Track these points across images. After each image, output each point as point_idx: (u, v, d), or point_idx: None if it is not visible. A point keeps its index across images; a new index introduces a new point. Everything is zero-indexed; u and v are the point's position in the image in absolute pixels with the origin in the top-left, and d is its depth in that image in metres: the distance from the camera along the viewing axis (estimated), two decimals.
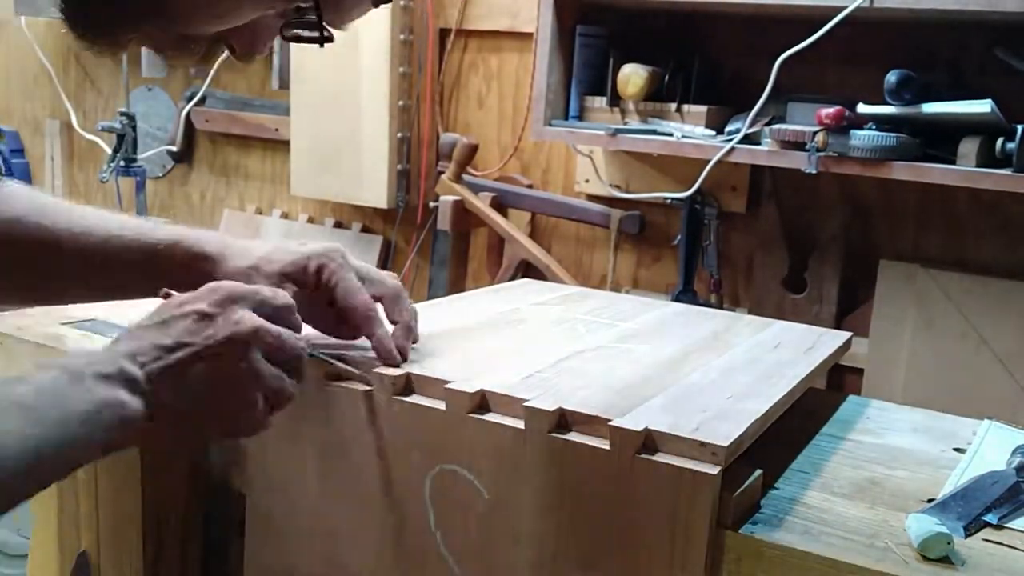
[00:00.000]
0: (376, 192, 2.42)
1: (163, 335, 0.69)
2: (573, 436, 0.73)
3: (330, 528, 0.85)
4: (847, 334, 1.07)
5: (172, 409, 0.69)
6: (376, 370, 0.81)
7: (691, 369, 0.87)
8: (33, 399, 0.62)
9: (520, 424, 0.75)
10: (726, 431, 0.70)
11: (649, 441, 0.71)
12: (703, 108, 1.94)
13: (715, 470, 0.68)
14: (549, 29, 1.98)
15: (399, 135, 2.41)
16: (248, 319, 0.71)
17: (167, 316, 0.71)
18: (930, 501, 0.76)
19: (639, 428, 0.70)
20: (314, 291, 0.83)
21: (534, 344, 0.94)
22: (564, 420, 0.74)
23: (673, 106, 1.97)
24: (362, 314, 0.83)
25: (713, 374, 0.86)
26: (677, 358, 0.91)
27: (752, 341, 1.00)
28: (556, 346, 0.93)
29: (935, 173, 1.67)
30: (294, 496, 0.86)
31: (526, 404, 0.74)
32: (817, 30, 1.74)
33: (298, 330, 0.75)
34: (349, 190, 2.47)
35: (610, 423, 0.71)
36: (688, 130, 1.93)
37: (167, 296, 0.75)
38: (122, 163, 2.59)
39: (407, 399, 0.80)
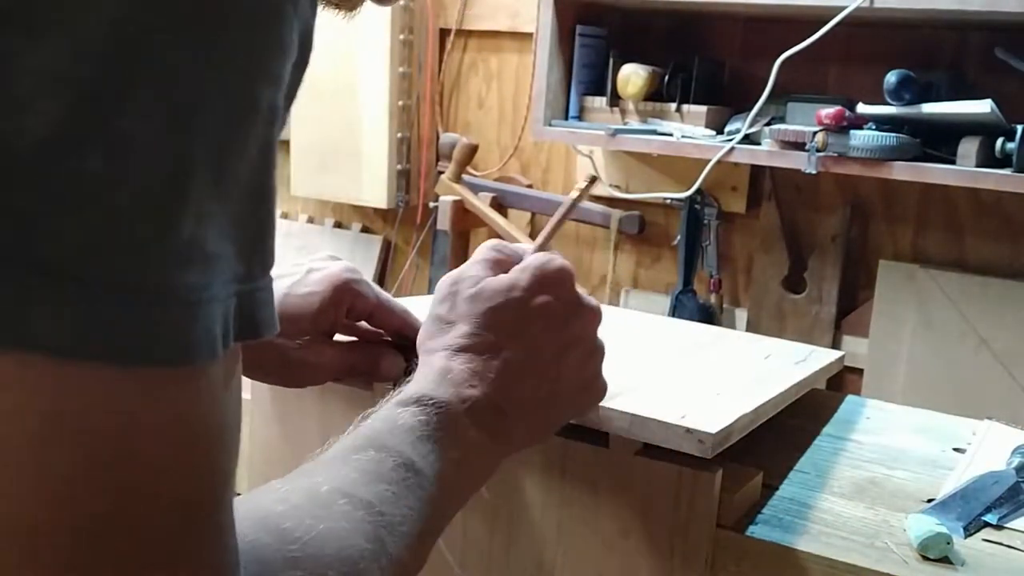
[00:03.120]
0: (376, 192, 2.42)
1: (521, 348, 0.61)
2: (573, 437, 0.73)
3: None
4: (839, 353, 1.06)
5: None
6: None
7: (679, 368, 0.87)
8: (412, 453, 0.54)
9: None
10: (714, 420, 0.70)
11: (645, 431, 0.70)
12: (703, 108, 1.95)
13: (712, 468, 0.68)
14: (549, 29, 1.99)
15: (399, 135, 2.41)
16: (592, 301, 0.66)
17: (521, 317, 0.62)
18: (930, 501, 0.76)
19: (625, 410, 0.69)
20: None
21: None
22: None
23: (673, 106, 1.97)
24: (410, 321, 0.75)
25: (701, 374, 0.86)
26: (664, 360, 0.90)
27: (742, 351, 0.99)
28: None
29: (935, 173, 1.67)
30: None
31: None
32: (817, 30, 1.74)
33: None
34: (349, 190, 2.47)
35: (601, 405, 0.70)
36: (688, 130, 1.93)
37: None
38: None
39: None
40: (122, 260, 0.32)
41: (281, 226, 2.74)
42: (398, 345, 0.75)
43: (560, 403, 0.65)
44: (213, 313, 0.34)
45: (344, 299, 0.71)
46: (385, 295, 0.74)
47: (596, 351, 0.67)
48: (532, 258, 0.65)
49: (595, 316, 0.66)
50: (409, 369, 0.72)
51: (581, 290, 0.66)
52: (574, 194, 0.69)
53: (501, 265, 0.65)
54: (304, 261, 0.73)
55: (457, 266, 0.68)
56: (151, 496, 0.34)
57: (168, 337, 0.33)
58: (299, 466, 0.52)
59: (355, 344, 0.75)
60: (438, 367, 0.60)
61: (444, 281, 0.65)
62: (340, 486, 0.49)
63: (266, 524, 0.44)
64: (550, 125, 2.02)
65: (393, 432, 0.55)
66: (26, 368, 0.31)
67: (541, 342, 0.62)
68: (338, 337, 0.74)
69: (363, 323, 0.75)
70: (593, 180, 0.68)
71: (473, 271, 0.64)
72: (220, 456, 0.37)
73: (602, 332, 0.80)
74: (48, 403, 0.32)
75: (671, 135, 1.92)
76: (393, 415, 0.56)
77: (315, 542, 0.45)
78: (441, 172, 2.31)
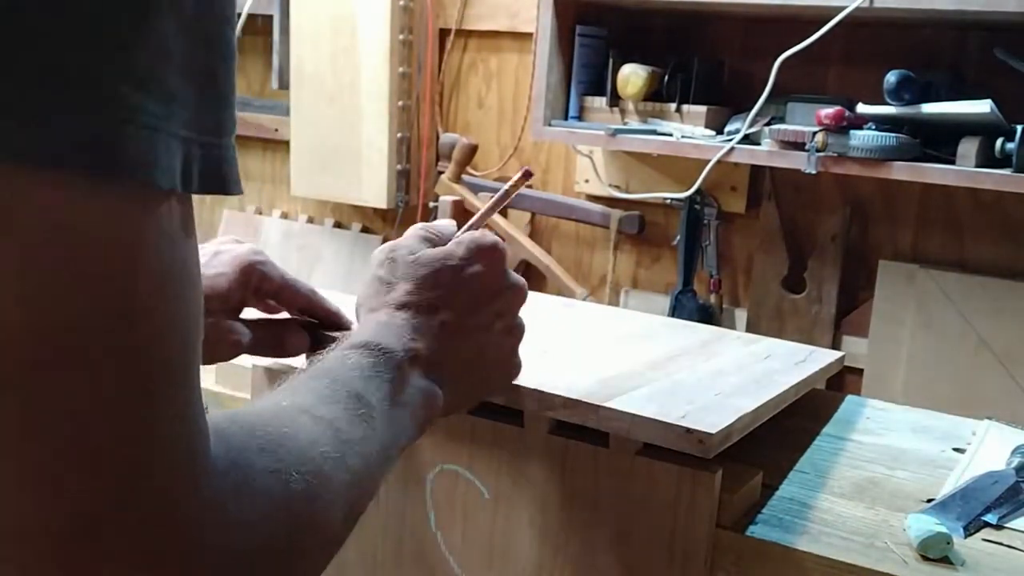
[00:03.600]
0: (376, 192, 2.42)
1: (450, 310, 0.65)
2: (573, 437, 0.73)
3: None
4: (839, 353, 1.05)
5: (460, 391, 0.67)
6: None
7: (678, 368, 0.87)
8: (362, 387, 0.57)
9: (520, 424, 0.75)
10: (713, 421, 0.69)
11: (642, 430, 0.70)
12: (703, 108, 1.95)
13: (712, 468, 0.68)
14: (549, 29, 1.99)
15: (399, 135, 2.41)
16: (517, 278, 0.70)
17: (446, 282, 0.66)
18: (930, 501, 0.76)
19: (625, 409, 0.69)
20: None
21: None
22: (547, 404, 0.73)
23: (673, 106, 1.97)
24: (316, 300, 0.79)
25: (701, 374, 0.86)
26: (663, 360, 0.90)
27: (742, 352, 0.99)
28: (540, 343, 0.92)
29: (935, 173, 1.67)
30: None
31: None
32: (817, 30, 1.74)
33: None
34: (349, 190, 2.47)
35: (600, 406, 0.70)
36: (688, 130, 1.93)
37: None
38: None
39: None
40: (84, 74, 0.33)
41: (281, 226, 2.74)
42: (304, 323, 0.79)
43: (483, 373, 0.69)
44: (172, 146, 0.35)
45: (251, 279, 0.74)
46: (290, 276, 0.77)
47: (516, 328, 0.70)
48: (468, 234, 0.69)
49: (521, 294, 0.70)
50: (315, 345, 0.76)
51: (510, 270, 0.70)
52: (507, 186, 0.72)
53: (432, 242, 0.69)
54: (210, 244, 0.76)
55: None
56: (113, 332, 0.35)
57: (127, 152, 0.34)
58: None
59: (262, 322, 0.78)
60: (382, 320, 0.64)
61: (380, 250, 0.69)
62: (300, 404, 0.51)
63: (234, 420, 0.45)
64: (550, 125, 2.02)
65: (343, 369, 0.58)
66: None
67: (472, 309, 0.66)
68: (245, 314, 0.77)
69: (270, 301, 0.78)
70: (528, 175, 0.72)
71: (408, 242, 0.69)
72: (181, 306, 0.37)
73: (603, 331, 0.81)
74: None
75: (671, 135, 1.92)
76: (342, 355, 0.59)
77: (282, 439, 0.46)
78: (441, 172, 2.31)
